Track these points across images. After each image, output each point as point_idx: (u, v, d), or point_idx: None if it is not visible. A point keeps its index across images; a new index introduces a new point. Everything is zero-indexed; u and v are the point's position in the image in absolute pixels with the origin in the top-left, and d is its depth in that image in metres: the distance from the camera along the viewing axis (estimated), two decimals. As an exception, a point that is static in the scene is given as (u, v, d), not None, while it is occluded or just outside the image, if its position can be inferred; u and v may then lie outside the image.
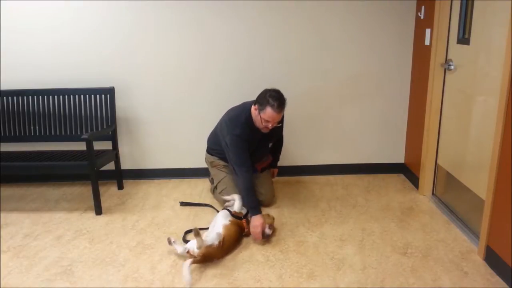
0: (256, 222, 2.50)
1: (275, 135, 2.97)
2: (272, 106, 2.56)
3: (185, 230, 2.62)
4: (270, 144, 2.99)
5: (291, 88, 2.72)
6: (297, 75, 3.32)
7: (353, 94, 3.40)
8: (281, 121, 2.89)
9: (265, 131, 2.71)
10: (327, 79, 3.35)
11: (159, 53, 3.28)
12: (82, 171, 2.89)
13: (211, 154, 3.05)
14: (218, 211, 2.86)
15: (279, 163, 3.28)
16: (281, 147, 3.20)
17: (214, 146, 2.99)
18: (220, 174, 2.96)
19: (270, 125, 2.65)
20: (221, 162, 2.98)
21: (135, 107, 3.40)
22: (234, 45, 3.27)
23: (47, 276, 2.23)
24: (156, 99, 3.39)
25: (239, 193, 2.74)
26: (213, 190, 3.11)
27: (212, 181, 3.13)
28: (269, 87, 2.73)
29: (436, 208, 2.92)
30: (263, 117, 2.61)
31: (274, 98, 2.57)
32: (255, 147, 2.83)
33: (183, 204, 3.05)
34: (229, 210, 2.61)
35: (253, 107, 2.70)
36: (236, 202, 2.67)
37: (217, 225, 2.43)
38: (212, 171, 3.06)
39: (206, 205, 3.01)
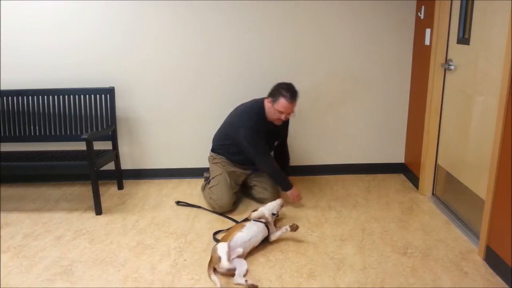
0: (295, 191, 2.91)
1: (282, 133, 3.07)
2: (284, 96, 2.72)
3: (213, 232, 2.61)
4: (276, 143, 3.04)
5: (291, 88, 2.78)
6: (297, 75, 3.31)
7: (353, 94, 3.40)
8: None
9: (277, 123, 2.85)
10: (327, 79, 3.35)
11: (159, 53, 3.28)
12: (82, 171, 2.89)
13: (218, 153, 3.02)
14: (212, 212, 2.87)
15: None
16: (288, 159, 3.24)
17: (222, 142, 2.99)
18: (217, 170, 2.97)
19: (283, 116, 2.78)
20: (224, 160, 2.98)
21: (135, 107, 3.40)
22: (235, 45, 3.26)
23: (47, 276, 2.23)
24: (156, 99, 3.38)
25: (271, 176, 2.96)
26: (204, 186, 3.12)
27: (206, 179, 3.13)
28: (269, 87, 2.77)
29: (436, 208, 2.92)
30: (277, 108, 2.74)
31: (286, 89, 2.74)
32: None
33: (179, 203, 3.05)
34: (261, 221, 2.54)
35: (266, 100, 2.82)
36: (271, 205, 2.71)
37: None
38: (212, 167, 3.05)
39: (199, 207, 3.00)
